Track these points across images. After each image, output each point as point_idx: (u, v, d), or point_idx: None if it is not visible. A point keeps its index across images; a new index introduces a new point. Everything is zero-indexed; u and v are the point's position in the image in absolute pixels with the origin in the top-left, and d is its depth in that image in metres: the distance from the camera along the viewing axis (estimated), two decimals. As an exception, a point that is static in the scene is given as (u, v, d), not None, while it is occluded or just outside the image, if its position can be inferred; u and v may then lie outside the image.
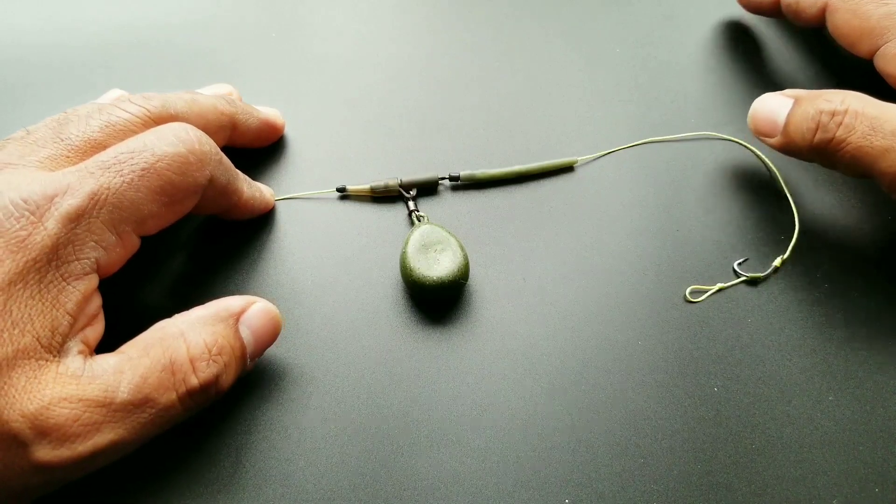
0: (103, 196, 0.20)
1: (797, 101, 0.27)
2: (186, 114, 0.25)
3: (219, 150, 0.24)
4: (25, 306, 0.19)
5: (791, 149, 0.27)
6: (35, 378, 0.19)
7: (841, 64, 0.36)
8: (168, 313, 0.23)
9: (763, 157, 0.32)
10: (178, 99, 0.25)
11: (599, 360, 0.26)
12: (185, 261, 0.28)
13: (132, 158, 0.21)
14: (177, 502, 0.23)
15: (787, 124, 0.27)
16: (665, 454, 0.23)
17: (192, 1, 0.40)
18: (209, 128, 0.26)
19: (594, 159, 0.32)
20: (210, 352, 0.21)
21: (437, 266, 0.26)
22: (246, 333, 0.23)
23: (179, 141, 0.22)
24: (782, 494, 0.23)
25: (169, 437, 0.22)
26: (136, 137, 0.22)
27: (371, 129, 0.33)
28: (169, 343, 0.21)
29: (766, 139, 0.28)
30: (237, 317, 0.23)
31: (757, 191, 0.31)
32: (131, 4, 0.40)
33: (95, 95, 0.30)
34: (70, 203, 0.20)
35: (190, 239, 0.29)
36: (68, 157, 0.22)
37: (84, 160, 0.22)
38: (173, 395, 0.21)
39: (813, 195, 0.30)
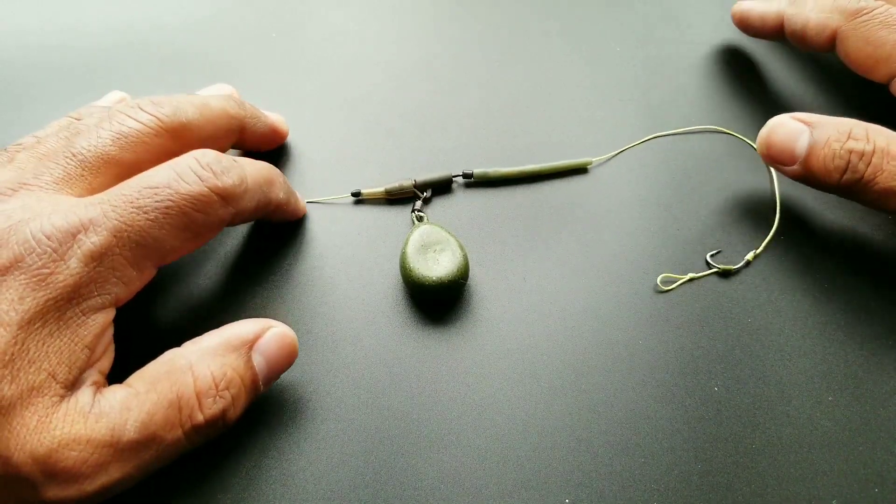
0: (126, 234, 0.20)
1: (814, 128, 0.26)
2: (198, 120, 0.25)
3: (244, 178, 0.23)
4: (43, 344, 0.19)
5: (810, 181, 0.26)
6: (46, 417, 0.18)
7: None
8: (172, 325, 0.23)
9: None
10: (188, 105, 0.25)
11: (599, 360, 0.26)
12: (185, 265, 0.28)
13: (156, 195, 0.21)
14: (177, 503, 0.23)
15: (809, 157, 0.26)
16: (665, 454, 0.23)
17: (192, 2, 0.40)
18: (219, 133, 0.26)
19: (608, 159, 0.32)
20: (217, 386, 0.21)
21: (436, 266, 0.26)
22: (259, 361, 0.22)
23: (202, 180, 0.22)
24: (782, 494, 0.23)
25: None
26: (160, 171, 0.22)
27: (373, 129, 0.33)
28: (176, 377, 0.21)
29: (782, 167, 0.27)
30: (250, 345, 0.22)
31: (763, 188, 0.31)
32: (132, 5, 0.40)
33: (97, 96, 0.30)
34: (94, 241, 0.20)
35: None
36: (83, 175, 0.22)
37: (99, 178, 0.22)
38: (179, 432, 0.20)
39: (808, 191, 0.30)
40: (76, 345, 0.19)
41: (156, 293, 0.27)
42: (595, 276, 0.28)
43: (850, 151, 0.25)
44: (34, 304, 0.19)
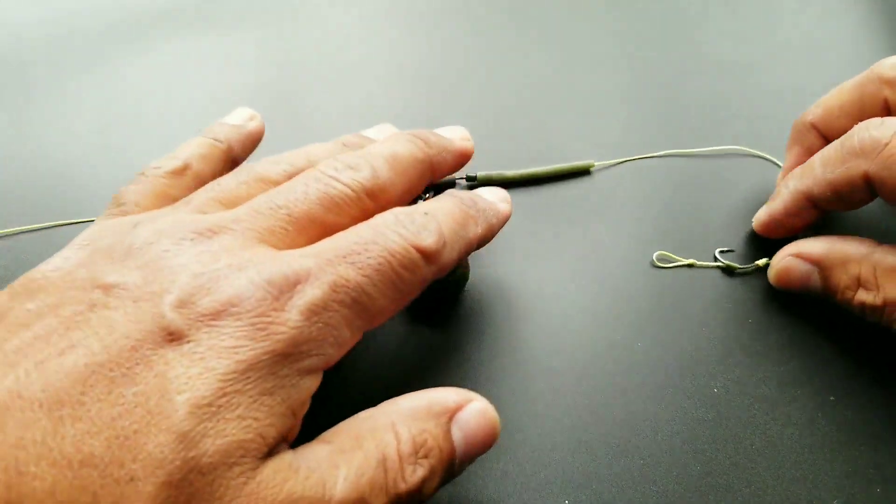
0: (343, 290, 0.19)
1: (822, 269, 0.25)
2: (392, 179, 0.23)
3: (441, 233, 0.21)
4: (254, 401, 0.17)
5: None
6: (252, 479, 0.16)
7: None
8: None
9: None
10: (381, 162, 0.23)
11: (599, 362, 0.26)
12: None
13: (367, 251, 0.19)
14: None
15: (824, 289, 0.25)
16: (665, 455, 0.23)
17: None
18: (411, 185, 0.24)
19: (613, 165, 0.32)
20: (417, 452, 0.18)
21: (436, 268, 0.26)
22: (458, 436, 0.19)
23: (405, 239, 0.20)
24: (783, 495, 0.23)
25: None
26: (363, 228, 0.21)
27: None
28: (381, 436, 0.18)
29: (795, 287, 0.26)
30: (451, 414, 0.19)
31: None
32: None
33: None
34: (313, 293, 0.18)
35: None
36: (287, 230, 0.20)
37: (302, 236, 0.21)
38: (384, 499, 0.17)
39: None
40: (285, 408, 0.17)
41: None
42: (595, 278, 0.28)
43: (862, 304, 0.24)
44: (251, 354, 0.17)
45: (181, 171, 0.24)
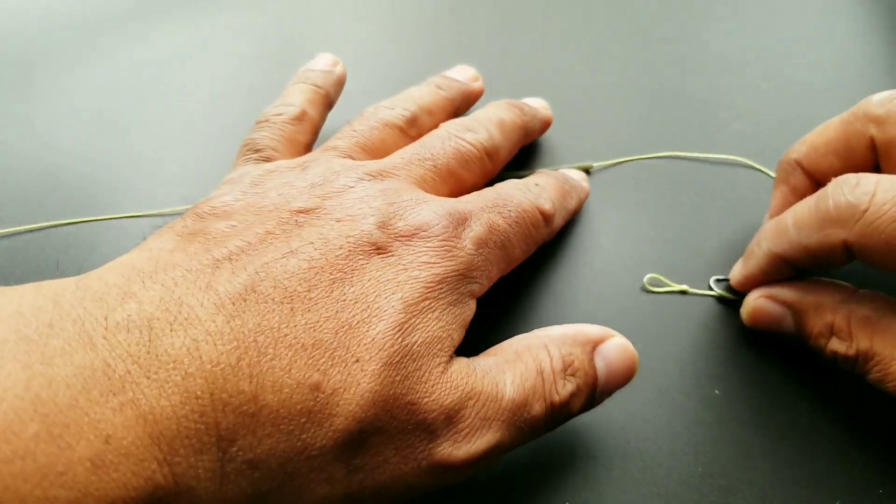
0: (495, 232, 0.22)
1: (794, 313, 0.24)
2: (502, 142, 0.27)
3: (553, 201, 0.25)
4: (444, 309, 0.20)
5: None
6: (446, 369, 0.19)
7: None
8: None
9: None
10: (494, 128, 0.27)
11: (600, 362, 0.26)
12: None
13: (507, 205, 0.23)
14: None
15: (798, 332, 0.24)
16: (666, 458, 0.23)
17: None
18: (514, 148, 0.28)
19: (611, 165, 0.32)
20: (566, 370, 0.21)
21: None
22: (600, 365, 0.21)
23: (531, 201, 0.24)
24: (784, 496, 0.23)
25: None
26: (502, 186, 0.24)
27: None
28: (536, 352, 0.21)
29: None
30: (594, 344, 0.22)
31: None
32: None
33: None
34: (479, 229, 0.21)
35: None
36: (434, 180, 0.24)
37: (444, 186, 0.24)
38: (543, 405, 0.20)
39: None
40: (462, 319, 0.20)
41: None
42: (596, 280, 0.28)
43: (835, 353, 0.23)
44: (442, 270, 0.20)
45: (301, 117, 0.27)
